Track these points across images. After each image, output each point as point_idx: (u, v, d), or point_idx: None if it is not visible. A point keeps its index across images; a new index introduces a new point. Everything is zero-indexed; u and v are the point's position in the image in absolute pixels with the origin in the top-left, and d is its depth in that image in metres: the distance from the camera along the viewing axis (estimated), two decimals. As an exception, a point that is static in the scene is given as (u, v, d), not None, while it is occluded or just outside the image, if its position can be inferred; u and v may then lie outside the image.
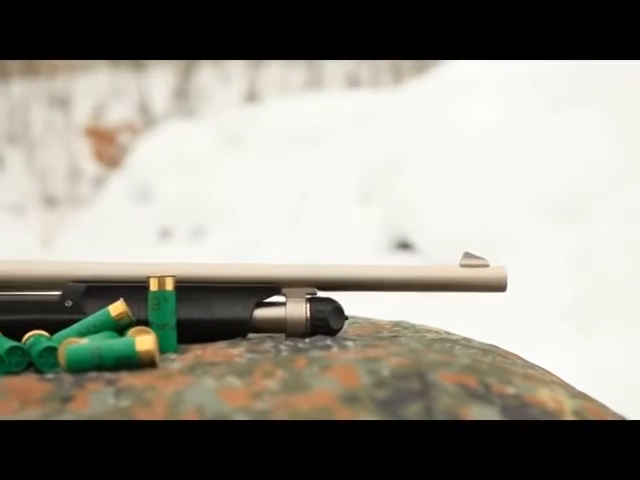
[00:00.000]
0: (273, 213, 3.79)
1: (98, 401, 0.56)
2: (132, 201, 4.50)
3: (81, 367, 0.60)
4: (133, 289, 0.69)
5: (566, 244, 2.90)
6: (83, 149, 5.92)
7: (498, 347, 0.72)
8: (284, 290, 0.71)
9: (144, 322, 0.68)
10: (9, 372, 0.63)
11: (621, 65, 3.33)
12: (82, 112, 6.24)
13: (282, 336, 0.72)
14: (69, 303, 0.69)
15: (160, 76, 6.28)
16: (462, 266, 0.72)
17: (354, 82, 6.11)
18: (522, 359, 0.71)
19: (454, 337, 0.74)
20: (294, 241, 3.46)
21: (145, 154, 4.65)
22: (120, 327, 0.66)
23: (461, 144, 3.44)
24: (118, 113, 6.18)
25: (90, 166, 5.87)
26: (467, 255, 0.72)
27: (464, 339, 0.73)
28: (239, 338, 0.70)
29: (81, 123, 6.09)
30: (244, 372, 0.60)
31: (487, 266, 0.72)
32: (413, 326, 0.78)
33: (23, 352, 0.63)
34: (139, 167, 4.58)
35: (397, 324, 0.79)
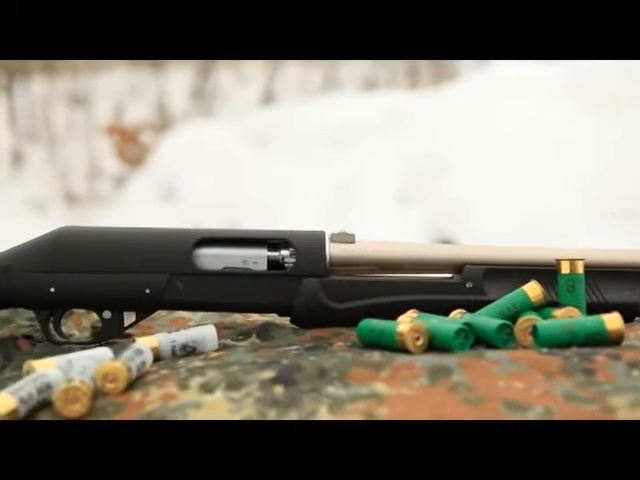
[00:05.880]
0: (308, 214, 3.77)
1: (621, 375, 0.59)
2: (156, 200, 4.50)
3: (553, 343, 0.63)
4: (528, 272, 0.71)
5: (613, 244, 2.88)
6: (104, 147, 5.94)
7: None
8: None
9: (552, 304, 0.69)
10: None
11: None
12: (102, 111, 6.25)
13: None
14: (469, 284, 0.72)
15: (178, 76, 6.29)
16: None
17: (372, 84, 6.10)
18: None
19: None
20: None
21: (167, 153, 4.65)
22: (536, 308, 0.68)
23: (500, 144, 3.42)
24: (137, 112, 6.20)
25: (111, 164, 5.89)
26: None
27: None
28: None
29: (102, 122, 6.12)
30: None
31: None
32: None
33: (470, 330, 0.65)
34: (162, 166, 4.59)
35: None
